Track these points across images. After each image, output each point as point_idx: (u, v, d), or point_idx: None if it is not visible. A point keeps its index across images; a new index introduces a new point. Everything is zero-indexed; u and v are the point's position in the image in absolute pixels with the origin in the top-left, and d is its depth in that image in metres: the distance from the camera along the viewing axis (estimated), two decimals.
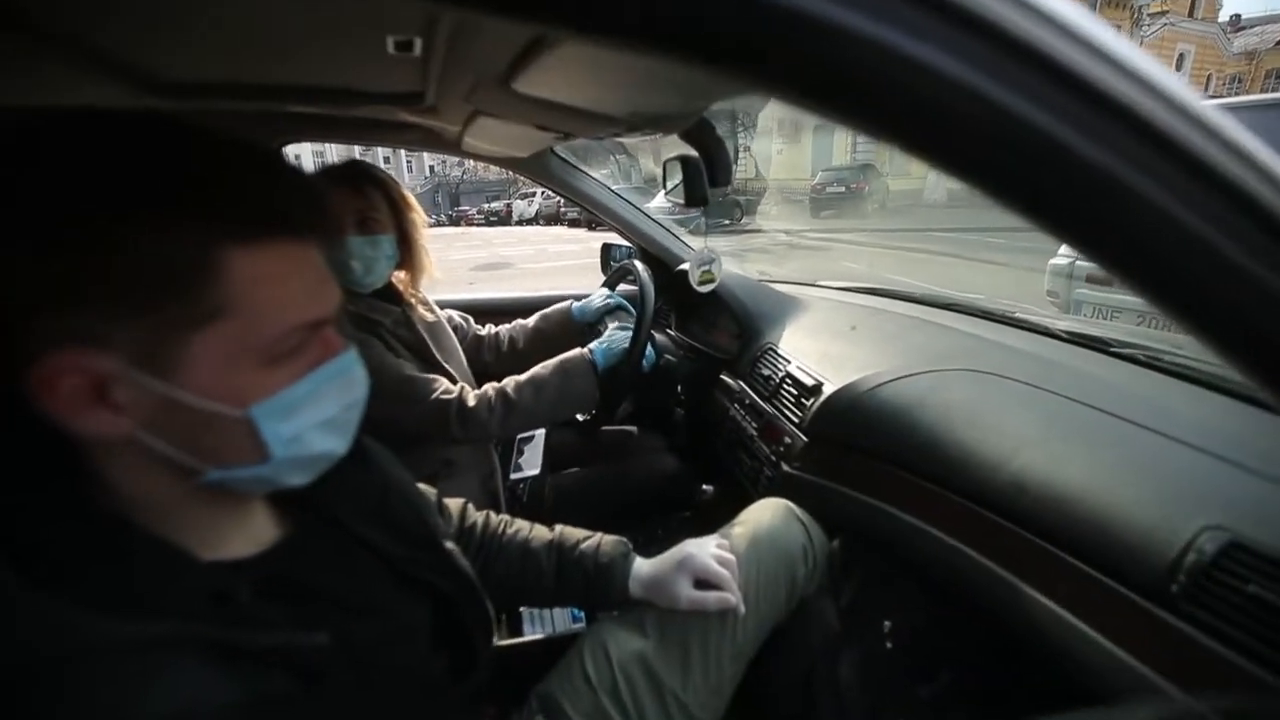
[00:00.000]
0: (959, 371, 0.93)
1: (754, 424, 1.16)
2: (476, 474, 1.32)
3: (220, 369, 0.40)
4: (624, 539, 0.88)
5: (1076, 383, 0.85)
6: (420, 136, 1.31)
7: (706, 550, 0.83)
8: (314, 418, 0.45)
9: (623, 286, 1.50)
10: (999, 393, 0.87)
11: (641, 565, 0.85)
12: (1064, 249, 3.49)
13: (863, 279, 1.48)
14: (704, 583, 0.81)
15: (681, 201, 1.09)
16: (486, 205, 27.38)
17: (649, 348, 1.26)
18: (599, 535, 0.89)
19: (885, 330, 1.14)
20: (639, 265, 1.30)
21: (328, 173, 1.19)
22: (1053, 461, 0.74)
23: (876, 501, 0.89)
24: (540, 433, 1.47)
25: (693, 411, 1.37)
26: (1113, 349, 0.96)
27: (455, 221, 27.77)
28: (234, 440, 0.42)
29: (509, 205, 25.06)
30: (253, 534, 0.52)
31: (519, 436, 1.47)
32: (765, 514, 0.92)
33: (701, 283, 1.30)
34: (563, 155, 1.50)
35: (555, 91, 0.66)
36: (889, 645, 0.89)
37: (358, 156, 1.58)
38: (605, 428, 1.41)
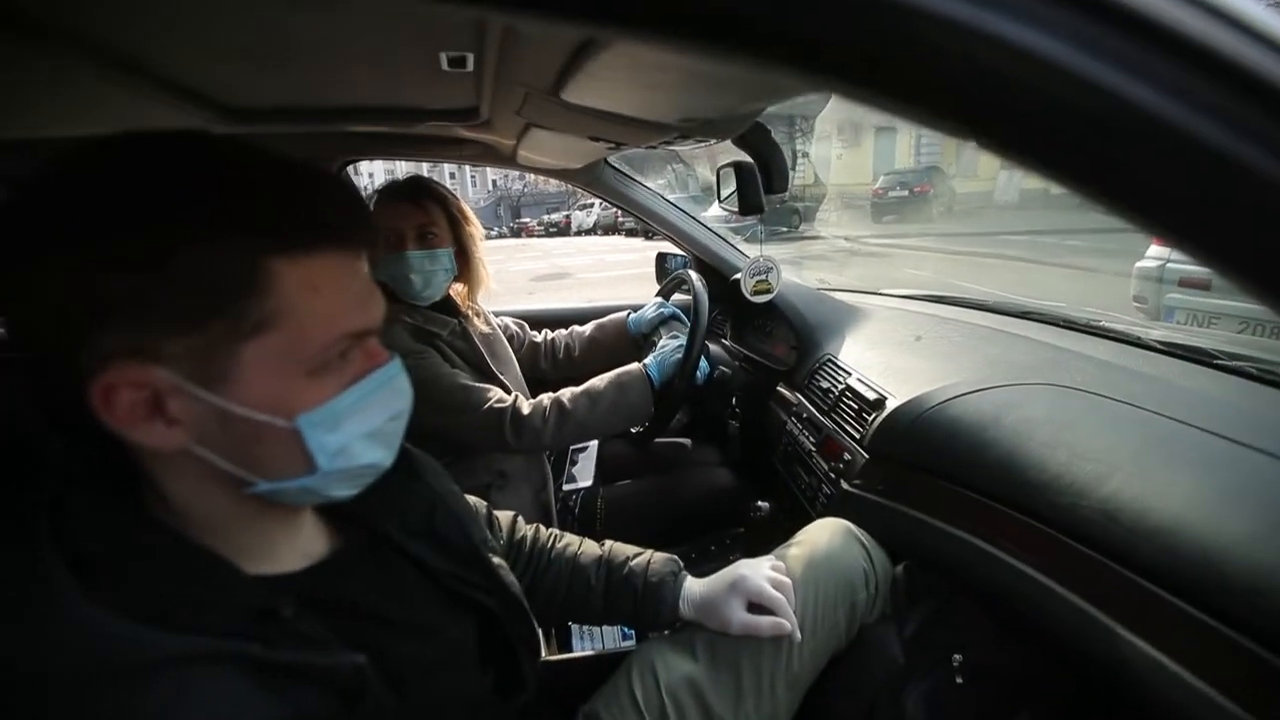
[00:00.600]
0: (1039, 386, 0.86)
1: (812, 439, 1.11)
2: (529, 485, 1.32)
3: (269, 380, 0.41)
4: (675, 557, 0.86)
5: (1176, 399, 0.76)
6: (478, 151, 1.34)
7: (761, 572, 0.79)
8: (360, 429, 0.45)
9: (677, 296, 1.48)
10: (1086, 410, 0.80)
11: (693, 585, 0.83)
12: (1152, 250, 3.23)
13: (928, 286, 1.40)
14: (757, 606, 0.78)
15: (736, 210, 1.06)
16: (546, 217, 28.00)
17: (703, 359, 1.23)
18: (649, 552, 0.87)
19: (954, 341, 1.07)
20: (693, 275, 1.28)
21: (390, 188, 1.23)
22: (1150, 488, 0.66)
23: (944, 525, 0.83)
24: (593, 444, 1.46)
25: (748, 425, 1.33)
26: (1217, 361, 0.86)
27: (516, 233, 28.53)
28: (282, 451, 0.43)
29: (568, 217, 25.53)
30: (301, 548, 0.52)
31: (572, 448, 1.47)
32: (824, 535, 0.87)
33: (756, 293, 1.26)
34: (616, 165, 1.50)
35: (604, 99, 0.66)
36: (959, 681, 0.83)
37: (424, 173, 1.64)
38: (658, 440, 1.39)
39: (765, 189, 0.94)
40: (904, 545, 0.88)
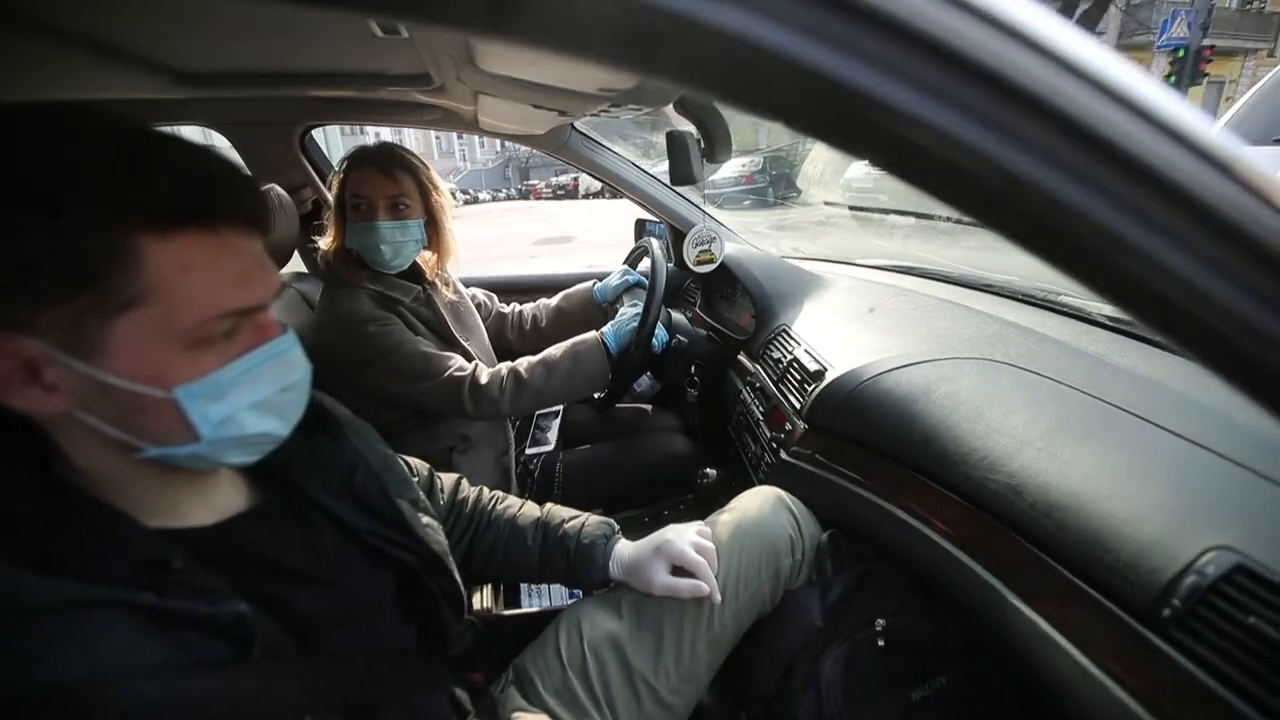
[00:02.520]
0: (973, 360, 0.86)
1: (761, 408, 1.13)
2: (492, 449, 1.35)
3: (142, 353, 0.42)
4: (610, 520, 0.89)
5: (1102, 376, 0.77)
6: (440, 116, 1.33)
7: (685, 537, 0.82)
8: (246, 399, 0.47)
9: (645, 264, 1.48)
10: (1013, 386, 0.80)
11: (624, 548, 0.85)
12: None
13: (897, 256, 1.39)
14: (682, 569, 0.81)
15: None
16: (554, 179, 27.59)
17: (661, 327, 1.24)
18: (585, 515, 0.90)
19: (905, 313, 1.07)
20: (654, 243, 1.27)
21: (360, 155, 1.22)
22: (1055, 464, 0.67)
23: (871, 495, 0.85)
24: (559, 410, 1.49)
25: (707, 392, 1.34)
26: (1156, 339, 0.86)
27: (524, 196, 28.18)
28: (163, 420, 0.44)
29: (576, 179, 25.16)
30: (215, 504, 0.55)
31: (538, 413, 1.50)
32: (754, 502, 0.90)
33: (699, 263, 1.26)
34: (585, 131, 1.48)
35: (518, 69, 0.65)
36: (881, 644, 0.86)
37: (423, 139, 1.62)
38: (619, 405, 1.41)
39: (707, 157, 0.93)
40: (834, 514, 0.90)
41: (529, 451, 1.40)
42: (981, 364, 0.85)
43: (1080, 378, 0.77)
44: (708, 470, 1.13)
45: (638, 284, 1.40)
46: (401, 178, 1.21)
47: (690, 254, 1.23)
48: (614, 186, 1.56)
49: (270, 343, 0.49)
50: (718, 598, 0.79)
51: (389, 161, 1.20)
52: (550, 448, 1.39)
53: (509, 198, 27.77)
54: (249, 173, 0.50)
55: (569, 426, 1.49)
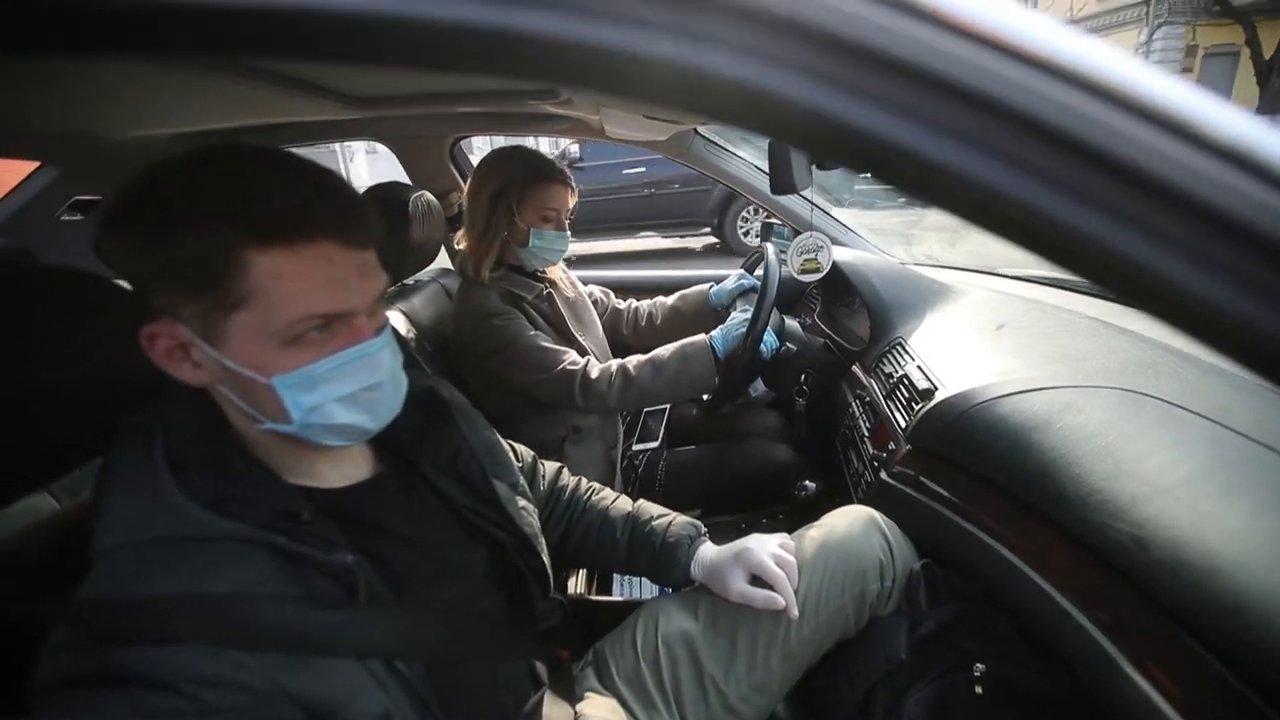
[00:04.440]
0: (1109, 390, 0.76)
1: (868, 424, 1.08)
2: (601, 442, 1.42)
3: (249, 345, 0.51)
4: (696, 522, 0.90)
5: (1274, 423, 0.64)
6: (571, 126, 1.42)
7: (766, 548, 0.82)
8: (334, 393, 0.54)
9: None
10: (1155, 423, 0.70)
11: (707, 550, 0.87)
12: None
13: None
14: (761, 580, 0.81)
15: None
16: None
17: (770, 333, 1.23)
18: (674, 515, 0.92)
19: (1039, 332, 0.96)
20: (770, 248, 1.26)
21: (548, 170, 1.30)
22: (1194, 517, 0.58)
23: (974, 528, 0.78)
24: (665, 408, 1.52)
25: (816, 403, 1.30)
26: None
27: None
28: (268, 402, 0.53)
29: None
30: (344, 471, 0.65)
31: (645, 410, 1.55)
32: (844, 521, 0.87)
33: (803, 271, 1.21)
34: (708, 136, 1.50)
35: None
36: (978, 691, 0.79)
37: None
38: (725, 410, 1.42)
39: (817, 164, 0.90)
40: (932, 543, 0.84)
41: (635, 447, 1.46)
42: (1121, 395, 0.75)
43: (1247, 420, 0.66)
44: (807, 483, 1.10)
45: (752, 288, 1.39)
46: (570, 192, 1.32)
47: (795, 262, 1.20)
48: (738, 191, 1.56)
49: (358, 345, 0.55)
50: (794, 613, 0.78)
51: (568, 177, 1.31)
52: (656, 444, 1.43)
53: None
54: (356, 192, 0.57)
55: (675, 425, 1.53)
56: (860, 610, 0.82)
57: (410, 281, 1.49)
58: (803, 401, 1.29)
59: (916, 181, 0.26)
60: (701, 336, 1.26)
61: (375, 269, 0.57)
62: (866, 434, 1.06)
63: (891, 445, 0.95)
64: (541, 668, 0.77)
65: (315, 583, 0.54)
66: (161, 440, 0.54)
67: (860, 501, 0.96)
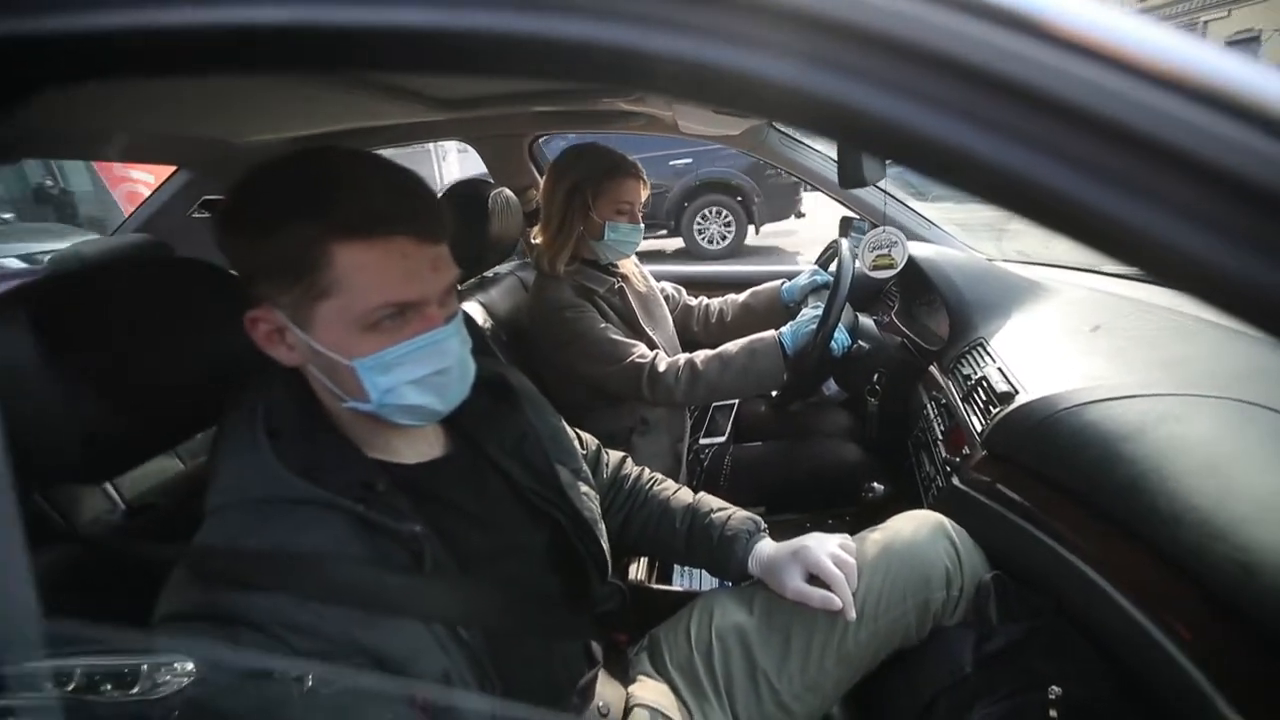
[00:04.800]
0: (1216, 400, 0.69)
1: (942, 427, 1.03)
2: (669, 434, 1.44)
3: (334, 330, 0.56)
4: (756, 518, 0.90)
5: None
6: (645, 122, 1.44)
7: (825, 547, 0.80)
8: (406, 376, 0.59)
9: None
10: (1270, 437, 0.63)
11: (765, 546, 0.87)
12: None
13: None
14: (818, 579, 0.79)
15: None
16: None
17: (843, 332, 1.20)
18: (734, 509, 0.93)
19: (1138, 335, 0.88)
20: (844, 243, 1.22)
21: (622, 165, 1.33)
22: None
23: (1052, 541, 0.74)
24: (734, 403, 1.52)
25: (889, 403, 1.25)
26: None
27: None
28: (350, 382, 0.58)
29: None
30: (418, 449, 0.70)
31: (714, 405, 1.55)
32: (910, 525, 0.84)
33: (875, 268, 1.16)
34: (783, 129, 1.47)
35: None
36: (1053, 716, 0.75)
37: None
38: (794, 407, 1.39)
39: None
40: (1005, 555, 0.80)
41: (702, 441, 1.46)
42: (1228, 405, 0.68)
43: None
44: (875, 485, 1.07)
45: (825, 285, 1.35)
46: (644, 187, 1.35)
47: (867, 258, 1.16)
48: (813, 184, 1.52)
49: (429, 332, 0.60)
50: (851, 615, 0.76)
51: (640, 171, 1.35)
52: (723, 439, 1.43)
53: None
54: (431, 191, 0.61)
55: (743, 420, 1.52)
56: (923, 618, 0.80)
57: (489, 274, 1.56)
58: (875, 401, 1.24)
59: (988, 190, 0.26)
60: (771, 333, 1.24)
61: (447, 262, 0.61)
62: (940, 437, 1.01)
63: (966, 450, 0.91)
64: (597, 648, 0.80)
65: (387, 549, 0.59)
66: (263, 413, 0.60)
67: (930, 507, 0.93)
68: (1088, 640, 0.71)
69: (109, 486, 0.83)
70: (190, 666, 0.43)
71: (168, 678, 0.42)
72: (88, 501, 0.81)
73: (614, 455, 1.03)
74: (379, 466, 0.64)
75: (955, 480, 0.89)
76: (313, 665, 0.49)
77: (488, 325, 1.39)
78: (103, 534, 0.65)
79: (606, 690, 0.77)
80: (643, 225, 1.35)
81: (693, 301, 1.64)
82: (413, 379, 0.59)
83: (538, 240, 1.43)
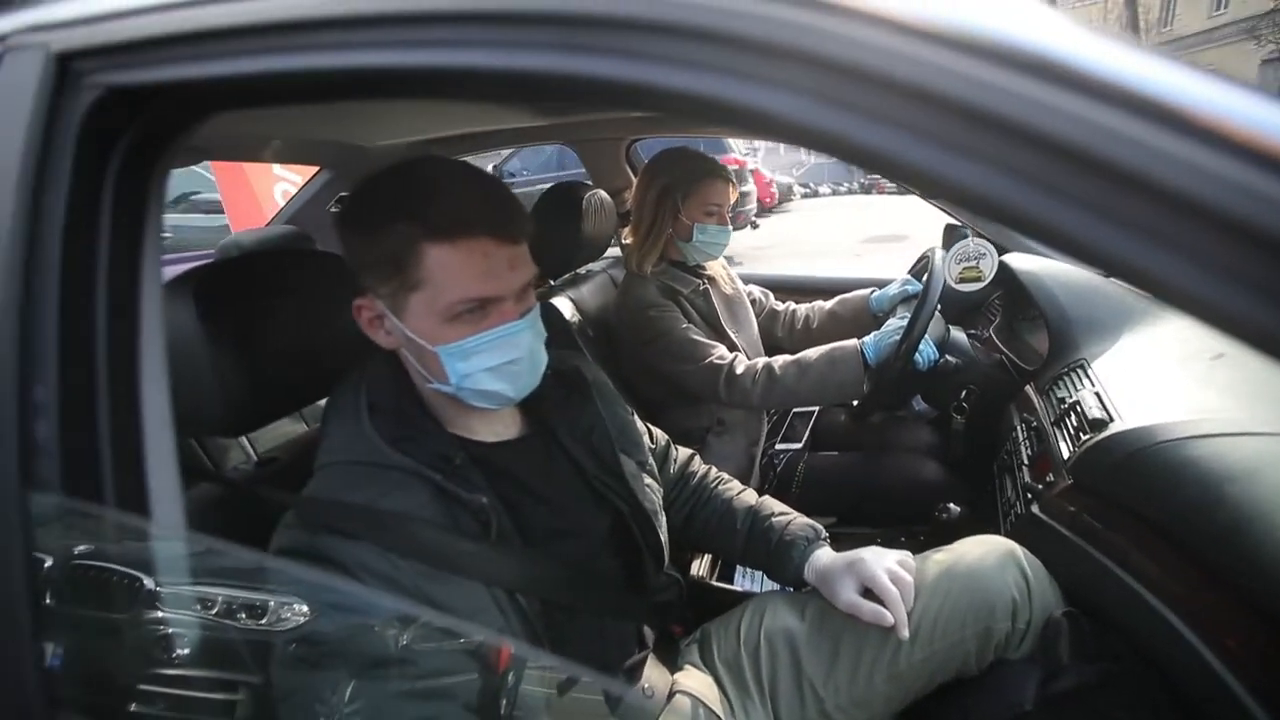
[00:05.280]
0: None
1: (1029, 451, 0.97)
2: (745, 437, 1.44)
3: (423, 320, 0.64)
4: (817, 525, 0.90)
5: None
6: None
7: (882, 562, 0.79)
8: (482, 364, 0.66)
9: None
10: None
11: (823, 555, 0.86)
12: None
13: None
14: (873, 594, 0.78)
15: None
16: None
17: (929, 345, 1.15)
18: (795, 514, 0.93)
19: (1269, 369, 0.78)
20: (937, 253, 1.18)
21: (710, 167, 1.38)
22: None
23: (1135, 583, 0.68)
24: (814, 411, 1.50)
25: (976, 421, 1.18)
26: None
27: (866, 190, 26.77)
28: (434, 366, 0.66)
29: None
30: (494, 429, 0.77)
31: (794, 411, 1.53)
32: (977, 550, 0.81)
33: (961, 280, 1.09)
34: None
35: None
36: None
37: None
38: (875, 419, 1.35)
39: None
40: (1082, 591, 0.75)
41: (778, 446, 1.46)
42: None
43: None
44: (950, 505, 1.02)
45: (916, 295, 1.30)
46: (732, 189, 1.37)
47: (952, 269, 1.10)
48: (911, 189, 1.46)
49: (504, 325, 0.66)
50: (904, 633, 0.75)
51: (729, 173, 1.38)
52: (798, 446, 1.42)
53: (850, 191, 26.72)
54: (511, 196, 0.67)
55: (822, 429, 1.49)
56: (984, 648, 0.76)
57: (581, 271, 1.64)
58: (961, 419, 1.19)
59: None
60: (852, 341, 1.22)
61: (524, 261, 0.67)
62: (1026, 461, 0.95)
63: (1050, 477, 0.85)
64: (649, 633, 0.84)
65: (459, 516, 0.66)
66: (365, 388, 0.70)
67: (1006, 534, 0.88)
68: (1170, 693, 0.66)
69: (245, 440, 0.97)
70: (305, 608, 0.51)
71: (288, 614, 0.50)
72: (231, 452, 0.96)
73: (683, 452, 1.06)
74: (458, 442, 0.71)
75: (1035, 508, 0.84)
76: (405, 607, 0.57)
77: (575, 320, 1.46)
78: (238, 479, 0.77)
79: (653, 674, 0.81)
80: (730, 228, 1.37)
81: (779, 306, 1.63)
82: (488, 367, 0.66)
83: (628, 240, 1.49)
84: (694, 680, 0.82)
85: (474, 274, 0.63)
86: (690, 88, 0.29)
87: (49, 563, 0.40)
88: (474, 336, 0.65)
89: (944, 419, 1.29)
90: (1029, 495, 0.88)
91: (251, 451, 0.94)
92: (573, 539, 0.77)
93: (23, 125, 0.41)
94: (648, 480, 0.87)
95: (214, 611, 0.48)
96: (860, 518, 1.26)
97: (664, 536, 0.85)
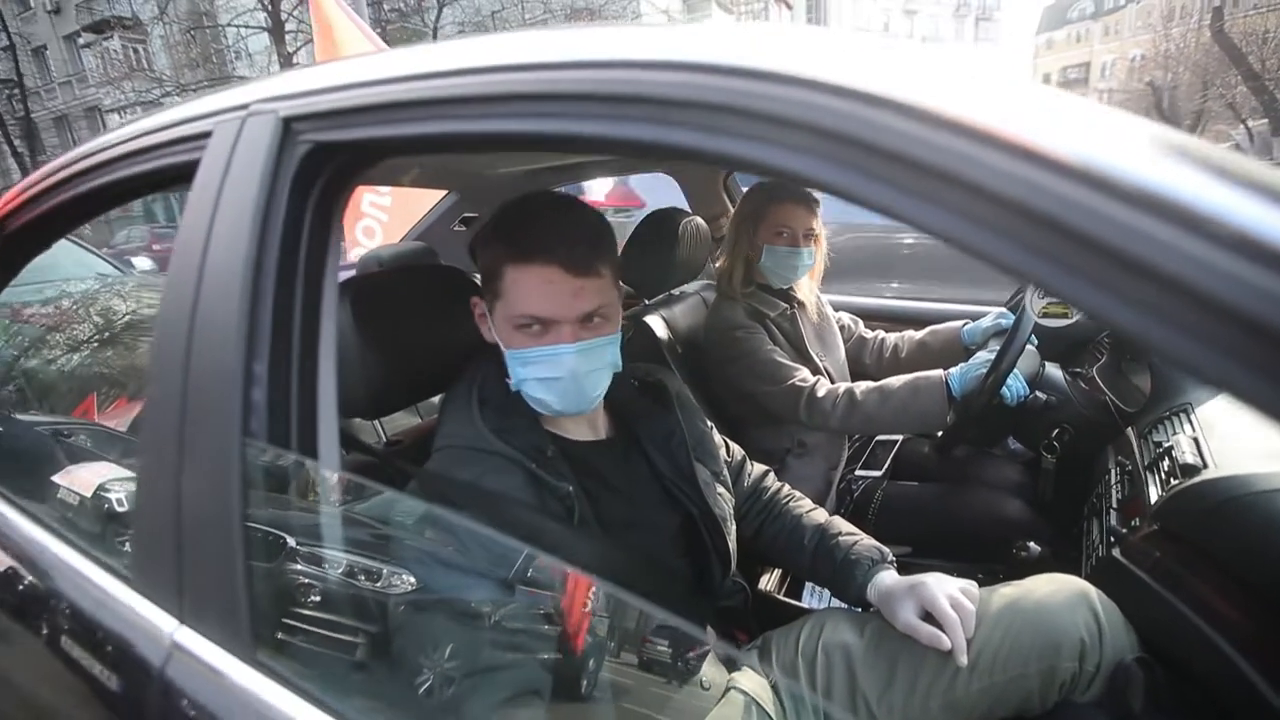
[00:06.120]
0: None
1: (1120, 495, 0.93)
2: (825, 461, 1.46)
3: (501, 326, 0.77)
4: (884, 548, 0.92)
5: None
6: None
7: (945, 587, 0.80)
8: (533, 374, 0.76)
9: None
10: None
11: (886, 576, 0.89)
12: None
13: None
14: (933, 619, 0.80)
15: None
16: None
17: (1018, 380, 1.13)
18: (862, 535, 0.96)
19: None
20: (1030, 288, 1.15)
21: (783, 188, 1.42)
22: None
23: (1220, 639, 0.66)
24: (898, 439, 1.49)
25: (1067, 463, 1.13)
26: None
27: None
28: (506, 365, 0.78)
29: None
30: (583, 430, 0.87)
31: (877, 438, 1.53)
32: (1047, 587, 0.80)
33: (1045, 316, 1.05)
34: None
35: None
36: None
37: None
38: (959, 452, 1.33)
39: None
40: (1160, 640, 0.72)
41: (857, 472, 1.46)
42: None
43: None
44: (1030, 544, 0.99)
45: (1009, 329, 1.28)
46: (816, 212, 1.42)
47: (1036, 304, 1.07)
48: None
49: (554, 346, 0.75)
50: (961, 660, 0.76)
51: (810, 196, 1.42)
52: (879, 474, 1.42)
53: None
54: (593, 235, 0.76)
55: (904, 458, 1.48)
56: (1047, 687, 0.75)
57: (676, 291, 1.73)
58: (1052, 458, 1.14)
59: None
60: (937, 371, 1.22)
61: (591, 293, 0.75)
62: (1115, 505, 0.92)
63: (1136, 521, 0.83)
64: (711, 632, 0.90)
65: (547, 500, 0.76)
66: (477, 385, 0.82)
67: (1086, 577, 0.86)
68: None
69: (377, 423, 1.14)
70: (412, 580, 0.62)
71: (398, 583, 0.62)
72: (364, 434, 1.13)
73: (757, 468, 1.11)
74: (551, 437, 0.82)
75: (1115, 551, 0.82)
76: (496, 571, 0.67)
77: (666, 337, 1.55)
78: (377, 452, 0.92)
79: (711, 670, 0.86)
80: (806, 249, 1.39)
81: (869, 334, 1.64)
82: (537, 377, 0.77)
83: (720, 263, 1.57)
84: (750, 681, 0.86)
85: (536, 295, 0.74)
86: (763, 159, 0.36)
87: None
88: (531, 349, 0.76)
89: (1034, 458, 1.25)
90: (1112, 539, 0.85)
91: (382, 433, 1.11)
92: (644, 532, 0.85)
93: (258, 170, 0.56)
94: (720, 489, 0.93)
95: (340, 571, 0.61)
96: (936, 550, 1.24)
97: (732, 543, 0.91)
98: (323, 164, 0.56)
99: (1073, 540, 1.02)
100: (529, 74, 0.44)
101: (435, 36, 16.80)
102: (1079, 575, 0.87)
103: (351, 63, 0.57)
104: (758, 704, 0.83)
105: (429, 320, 0.88)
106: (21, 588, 0.74)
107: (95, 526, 0.80)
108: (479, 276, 0.81)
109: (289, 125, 0.56)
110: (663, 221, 1.48)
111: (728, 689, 0.85)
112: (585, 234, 0.76)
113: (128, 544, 0.64)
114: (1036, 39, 53.38)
